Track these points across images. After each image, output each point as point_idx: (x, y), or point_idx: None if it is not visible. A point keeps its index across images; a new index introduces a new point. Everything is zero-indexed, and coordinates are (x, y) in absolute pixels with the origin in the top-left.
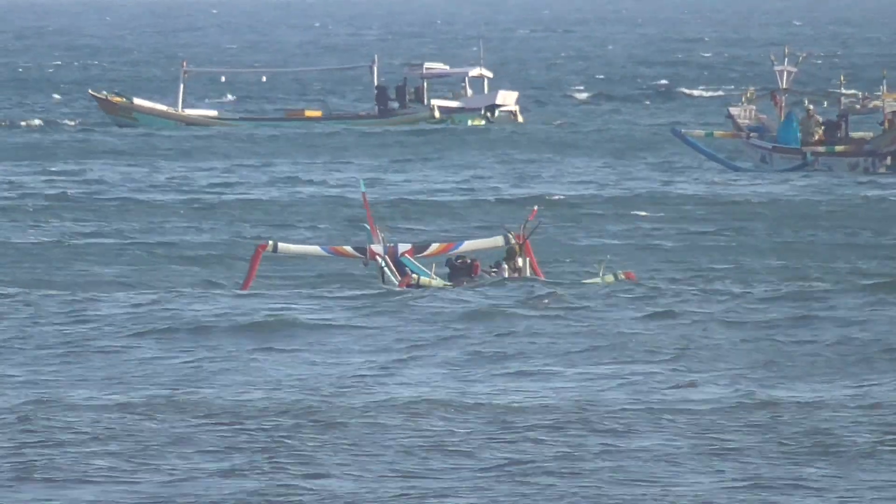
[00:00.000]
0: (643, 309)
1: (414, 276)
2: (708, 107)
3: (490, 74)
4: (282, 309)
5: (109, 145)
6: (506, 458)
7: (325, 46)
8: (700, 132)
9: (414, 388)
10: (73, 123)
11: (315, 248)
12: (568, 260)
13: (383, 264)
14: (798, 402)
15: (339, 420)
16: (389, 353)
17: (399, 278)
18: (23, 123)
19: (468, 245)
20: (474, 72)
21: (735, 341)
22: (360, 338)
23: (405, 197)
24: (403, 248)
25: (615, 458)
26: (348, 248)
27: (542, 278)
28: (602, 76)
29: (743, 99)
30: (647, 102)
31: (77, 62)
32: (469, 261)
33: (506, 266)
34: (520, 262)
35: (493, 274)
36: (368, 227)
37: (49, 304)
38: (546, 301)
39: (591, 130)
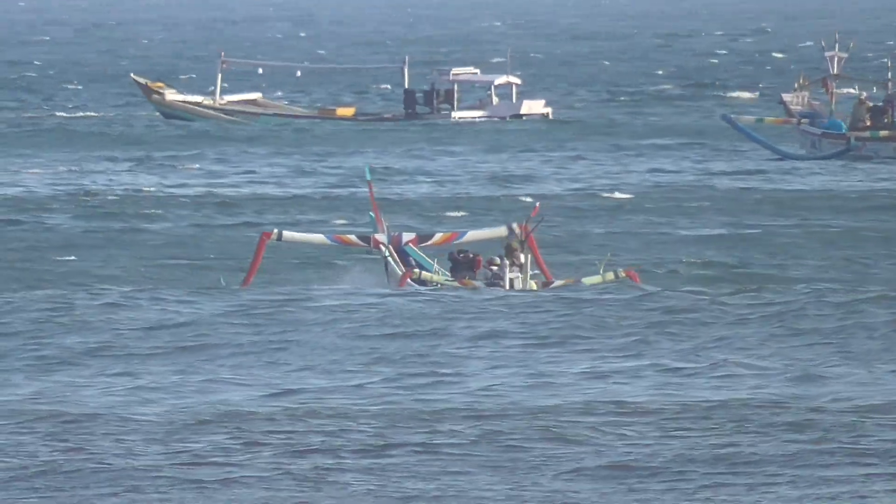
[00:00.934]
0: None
1: (416, 270)
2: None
3: (518, 81)
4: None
5: (129, 137)
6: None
7: (403, 39)
8: (750, 118)
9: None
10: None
11: (320, 237)
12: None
13: (387, 254)
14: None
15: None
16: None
17: (402, 269)
18: (79, 114)
19: (472, 235)
20: (501, 79)
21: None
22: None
23: (427, 192)
24: (407, 237)
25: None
26: (352, 237)
27: (550, 277)
28: (655, 69)
29: (796, 85)
30: (708, 94)
31: (143, 54)
32: (471, 255)
33: (507, 262)
34: (521, 257)
35: (494, 269)
36: (373, 216)
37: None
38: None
39: (640, 122)
